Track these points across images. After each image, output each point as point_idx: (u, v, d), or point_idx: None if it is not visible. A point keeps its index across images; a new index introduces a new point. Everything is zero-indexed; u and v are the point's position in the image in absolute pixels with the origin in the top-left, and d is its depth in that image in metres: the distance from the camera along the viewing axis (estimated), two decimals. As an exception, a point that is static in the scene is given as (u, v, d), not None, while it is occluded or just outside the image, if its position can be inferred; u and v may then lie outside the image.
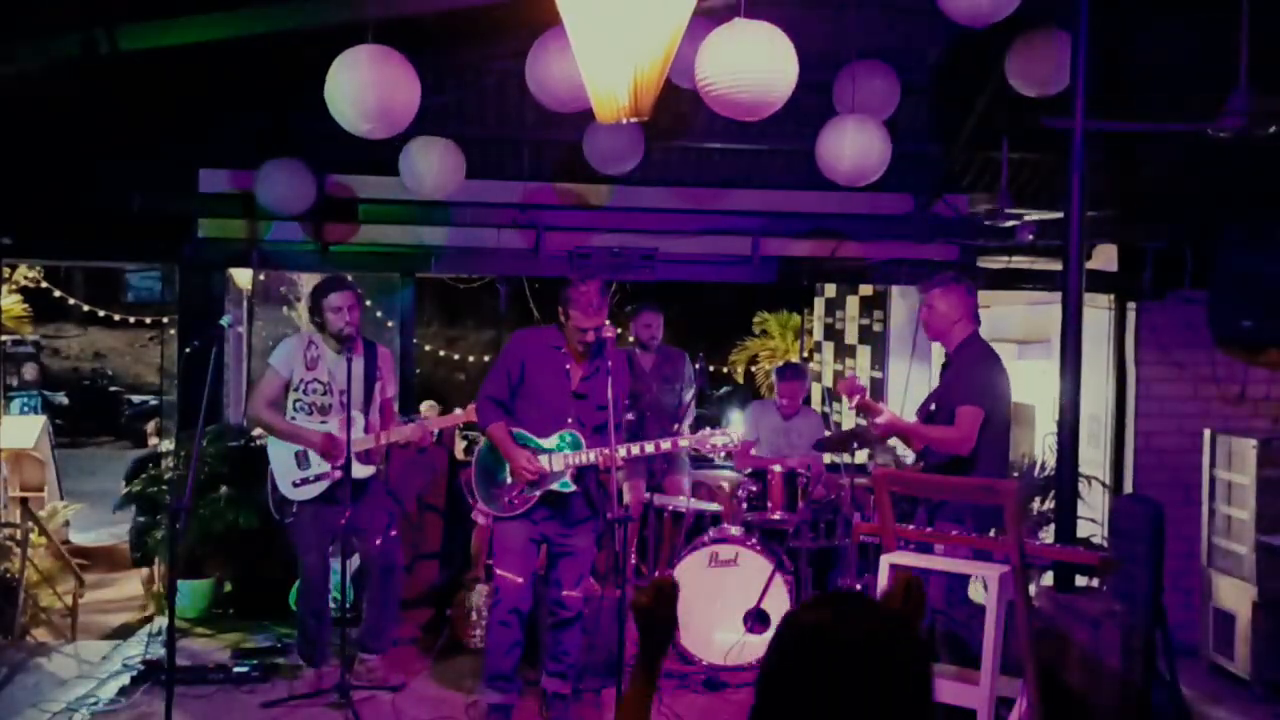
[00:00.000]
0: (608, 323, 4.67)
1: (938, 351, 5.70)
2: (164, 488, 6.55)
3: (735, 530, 5.71)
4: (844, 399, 4.95)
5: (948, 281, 4.95)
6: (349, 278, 5.30)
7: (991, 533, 4.46)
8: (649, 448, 4.82)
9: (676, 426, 6.11)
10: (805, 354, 11.30)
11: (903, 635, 1.58)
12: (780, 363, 9.02)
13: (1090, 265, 6.19)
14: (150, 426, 9.57)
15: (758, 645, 5.42)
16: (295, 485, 5.05)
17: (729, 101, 4.01)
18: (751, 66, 3.88)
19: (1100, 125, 4.60)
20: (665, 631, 2.00)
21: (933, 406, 4.96)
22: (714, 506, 6.25)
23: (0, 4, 4.63)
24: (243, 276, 7.90)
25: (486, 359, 13.92)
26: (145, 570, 7.93)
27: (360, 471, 5.04)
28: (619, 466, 4.56)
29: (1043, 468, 6.60)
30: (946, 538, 4.43)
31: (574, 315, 4.56)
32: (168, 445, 7.05)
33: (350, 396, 4.91)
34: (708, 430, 4.91)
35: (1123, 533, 4.68)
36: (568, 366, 4.70)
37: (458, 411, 5.32)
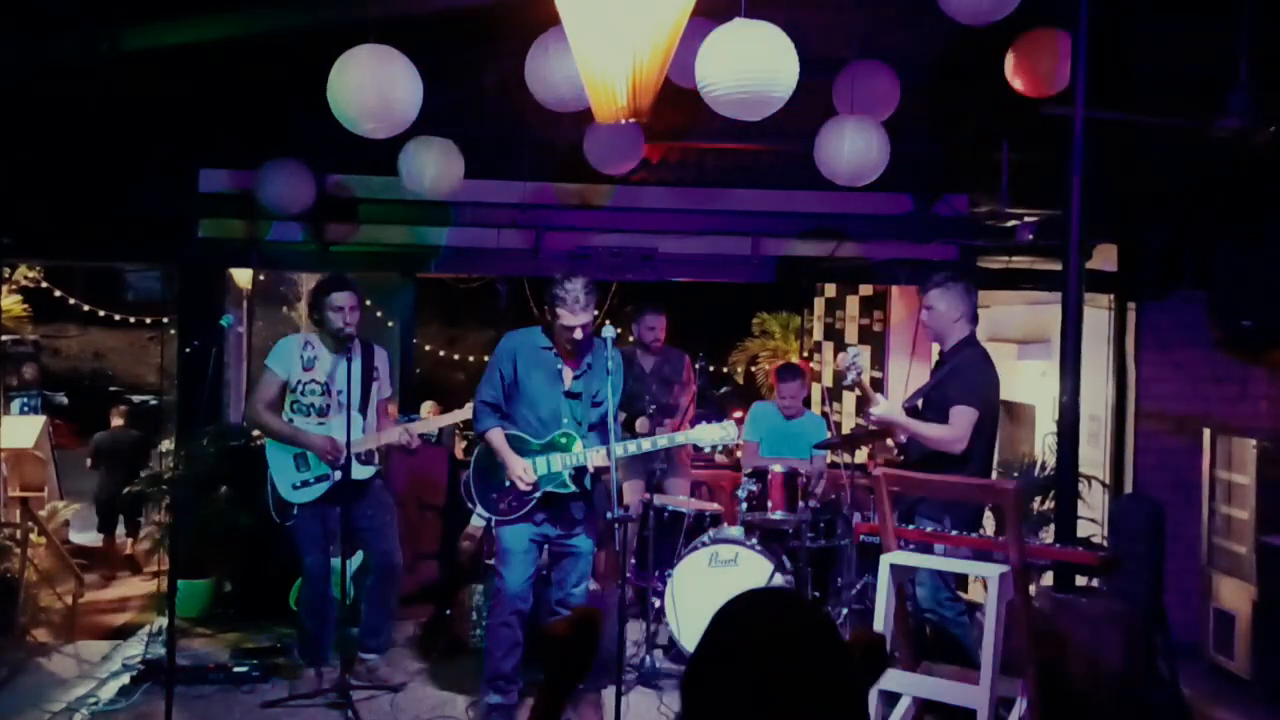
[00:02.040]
0: (608, 322, 4.67)
1: (938, 351, 5.71)
2: (164, 487, 6.55)
3: (735, 530, 5.71)
4: (846, 375, 4.97)
5: (945, 281, 4.96)
6: (352, 277, 5.30)
7: (979, 533, 4.47)
8: (645, 444, 4.81)
9: (671, 424, 6.12)
10: (805, 354, 11.29)
11: (826, 637, 1.53)
12: (780, 363, 9.01)
13: (1090, 265, 6.19)
14: (115, 410, 9.83)
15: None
16: (295, 488, 5.04)
17: (729, 101, 4.01)
18: (752, 66, 3.88)
19: (1099, 115, 4.61)
20: (579, 669, 1.81)
21: (919, 403, 4.98)
22: (714, 506, 6.25)
23: (0, 4, 4.63)
24: (243, 276, 7.90)
25: (486, 359, 13.88)
26: (103, 537, 8.67)
27: (361, 472, 5.04)
28: (617, 466, 4.55)
29: (1043, 468, 6.60)
30: (947, 538, 4.43)
31: (560, 314, 4.55)
32: (167, 444, 7.05)
33: (349, 397, 4.91)
34: (704, 425, 4.90)
35: (1123, 533, 4.69)
36: (559, 367, 4.69)
37: (456, 412, 5.31)
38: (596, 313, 4.64)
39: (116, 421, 9.74)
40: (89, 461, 9.52)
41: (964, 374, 4.79)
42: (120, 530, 9.11)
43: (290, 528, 5.09)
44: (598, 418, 4.72)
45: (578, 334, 4.55)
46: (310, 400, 5.09)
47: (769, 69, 3.89)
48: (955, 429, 4.65)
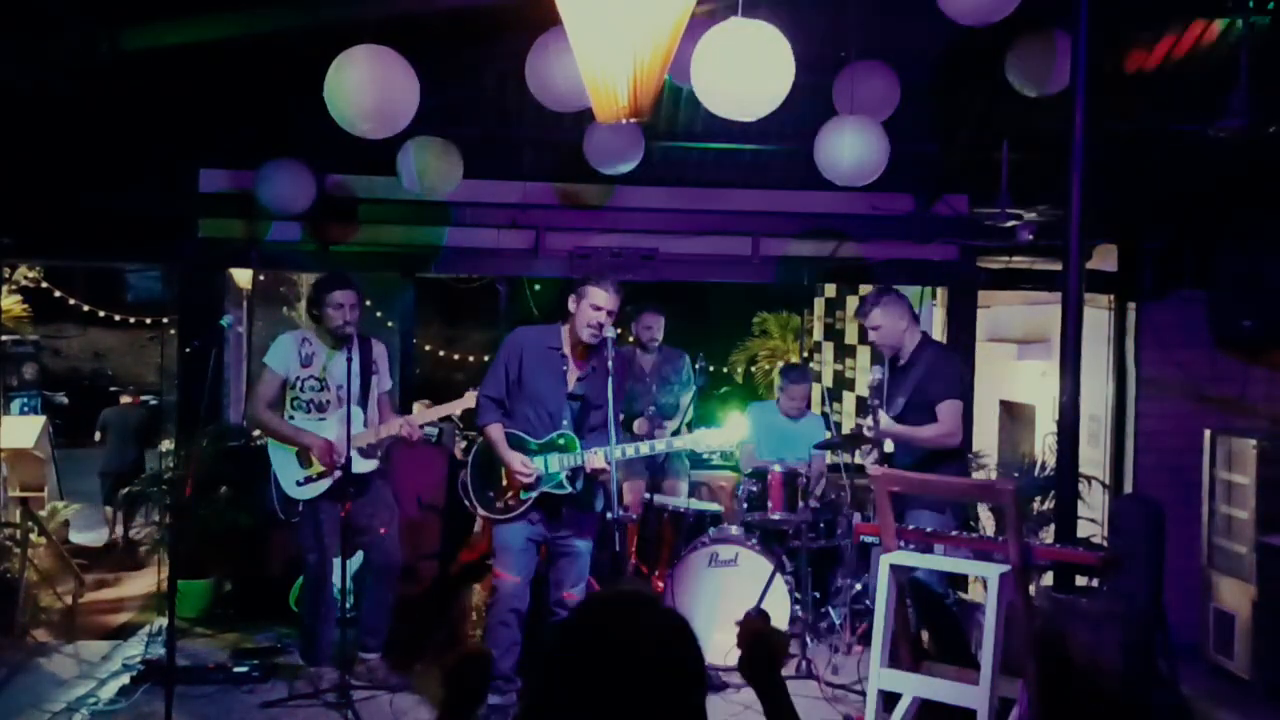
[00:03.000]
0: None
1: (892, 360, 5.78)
2: (163, 487, 6.55)
3: (735, 530, 5.71)
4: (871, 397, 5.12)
5: (877, 299, 5.22)
6: (352, 276, 5.29)
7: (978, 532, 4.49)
8: (644, 448, 4.81)
9: (670, 425, 6.12)
10: (805, 354, 11.28)
11: (678, 636, 1.58)
12: (782, 363, 9.02)
13: (1090, 265, 6.19)
14: (125, 392, 10.39)
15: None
16: (299, 484, 5.05)
17: (724, 102, 4.01)
18: (747, 67, 3.87)
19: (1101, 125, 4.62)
20: (471, 703, 1.87)
21: (900, 407, 5.05)
22: (714, 506, 6.25)
23: (0, 4, 4.62)
24: (243, 276, 7.90)
25: (486, 359, 13.89)
26: (109, 509, 9.28)
27: (362, 466, 5.04)
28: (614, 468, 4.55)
29: (1043, 468, 6.60)
30: (947, 538, 4.44)
31: (591, 294, 4.54)
32: (167, 444, 7.05)
33: (349, 392, 4.91)
34: (704, 430, 4.89)
35: (1123, 533, 4.68)
36: (564, 367, 4.69)
37: (454, 402, 5.27)
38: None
39: (125, 399, 10.36)
40: (97, 435, 10.06)
41: (941, 371, 4.99)
42: (120, 528, 9.23)
43: (294, 524, 5.08)
44: (599, 420, 4.72)
45: (600, 324, 4.55)
46: (310, 396, 5.09)
47: (764, 69, 3.89)
48: (948, 424, 4.88)
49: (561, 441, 4.65)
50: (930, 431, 4.93)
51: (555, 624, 1.69)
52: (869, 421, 5.01)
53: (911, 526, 4.67)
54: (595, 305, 4.55)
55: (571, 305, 4.64)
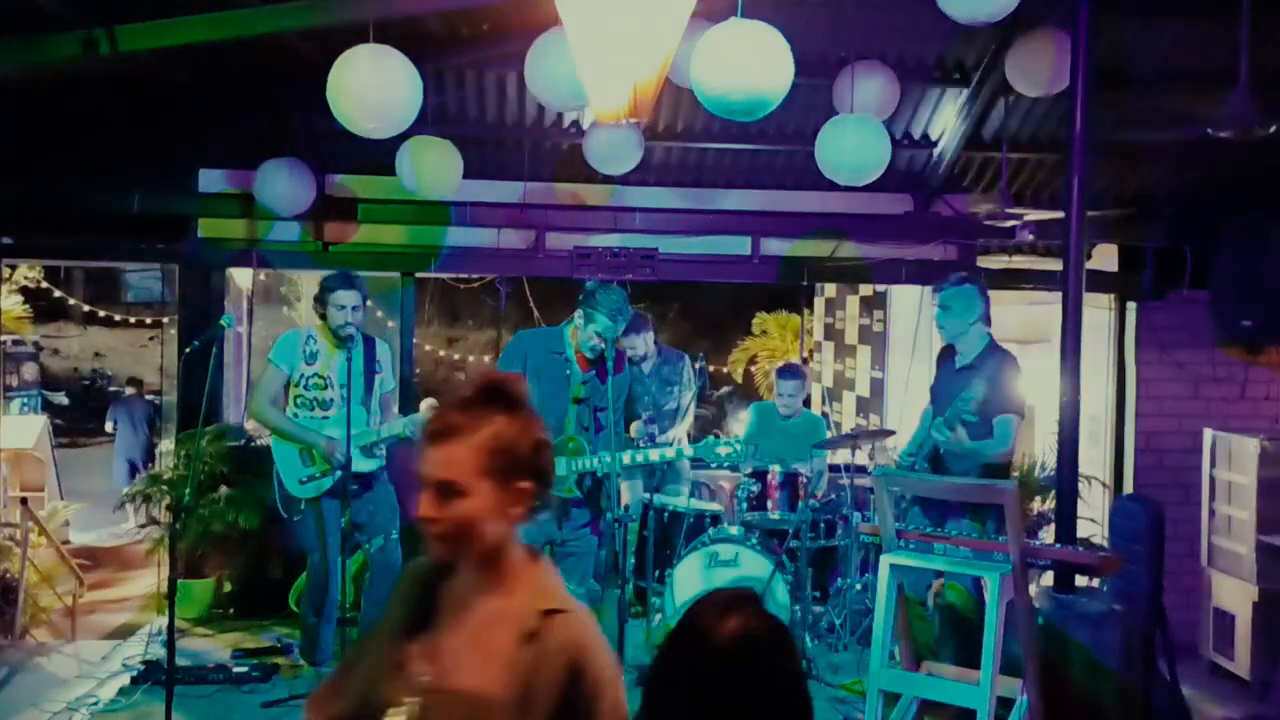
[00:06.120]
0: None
1: (936, 351, 5.67)
2: (164, 487, 6.55)
3: (735, 530, 5.71)
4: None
5: (959, 282, 4.91)
6: (358, 276, 5.28)
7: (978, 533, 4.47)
8: (653, 455, 4.78)
9: (673, 431, 6.11)
10: (805, 354, 11.28)
11: (780, 638, 1.60)
12: (780, 363, 9.01)
13: (1090, 265, 6.19)
14: (129, 382, 10.92)
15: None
16: (301, 483, 5.04)
17: (724, 102, 4.00)
18: (746, 67, 3.87)
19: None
20: None
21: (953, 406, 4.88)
22: (714, 506, 6.25)
23: (0, 4, 4.63)
24: (243, 276, 7.90)
25: (486, 359, 13.93)
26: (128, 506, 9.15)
27: (365, 465, 5.03)
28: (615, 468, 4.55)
29: (1043, 468, 6.60)
30: (947, 538, 4.43)
31: (598, 321, 4.53)
32: (167, 444, 7.05)
33: (350, 391, 4.91)
34: (712, 438, 4.89)
35: (1123, 533, 4.68)
36: (568, 371, 4.68)
37: None
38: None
39: (130, 391, 11.08)
40: (109, 425, 10.86)
41: (1002, 383, 4.70)
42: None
43: (296, 523, 5.08)
44: (604, 422, 4.71)
45: (603, 343, 4.54)
46: (313, 394, 5.09)
47: (764, 70, 3.89)
48: (1010, 439, 4.60)
49: (571, 445, 4.64)
50: (989, 447, 4.62)
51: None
52: (959, 433, 4.58)
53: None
54: (598, 333, 4.55)
55: (579, 319, 4.62)
